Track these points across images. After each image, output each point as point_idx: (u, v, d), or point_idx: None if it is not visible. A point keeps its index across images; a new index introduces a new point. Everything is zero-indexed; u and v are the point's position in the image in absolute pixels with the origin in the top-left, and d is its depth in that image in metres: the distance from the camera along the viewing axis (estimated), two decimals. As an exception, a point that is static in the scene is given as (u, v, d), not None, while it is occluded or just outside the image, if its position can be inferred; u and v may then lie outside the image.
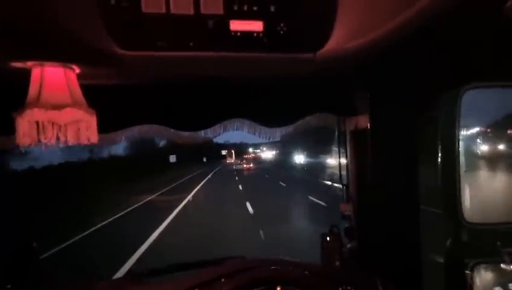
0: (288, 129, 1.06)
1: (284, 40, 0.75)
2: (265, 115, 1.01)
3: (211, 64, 0.82)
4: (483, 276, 0.89)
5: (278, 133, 1.08)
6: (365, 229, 1.09)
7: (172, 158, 34.54)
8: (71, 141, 0.78)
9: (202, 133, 1.05)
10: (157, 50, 0.74)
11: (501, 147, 0.85)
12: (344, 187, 1.17)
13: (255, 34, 0.73)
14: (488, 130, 0.82)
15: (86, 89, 0.79)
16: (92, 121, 0.78)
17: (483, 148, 0.80)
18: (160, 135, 1.06)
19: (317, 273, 1.06)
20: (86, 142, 0.79)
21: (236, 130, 1.07)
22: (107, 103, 0.86)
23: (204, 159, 52.63)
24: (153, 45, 0.73)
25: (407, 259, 1.00)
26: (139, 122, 0.96)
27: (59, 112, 0.70)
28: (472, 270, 0.87)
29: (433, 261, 1.01)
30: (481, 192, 0.87)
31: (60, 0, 0.61)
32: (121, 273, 4.62)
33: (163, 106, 0.97)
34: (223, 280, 1.04)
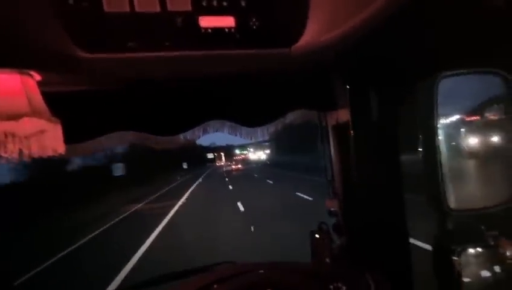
0: (271, 128, 1.04)
1: (257, 35, 0.72)
2: (244, 114, 0.98)
3: (182, 64, 0.78)
4: (470, 261, 0.90)
5: (259, 132, 1.06)
6: (353, 224, 1.08)
7: (118, 170, 22.37)
8: (36, 154, 0.72)
9: (182, 136, 1.01)
10: (123, 51, 0.69)
11: (480, 133, 0.85)
12: (329, 183, 1.16)
13: (226, 30, 0.70)
14: (467, 116, 0.83)
15: (50, 97, 0.74)
16: (57, 130, 0.72)
17: (464, 135, 0.80)
18: (137, 142, 1.00)
19: (308, 273, 1.04)
20: (52, 153, 0.73)
21: (216, 131, 1.03)
22: (74, 111, 0.80)
23: (185, 166, 42.33)
24: (118, 46, 0.69)
25: (397, 251, 1.00)
26: (111, 130, 0.90)
27: (16, 123, 0.64)
28: (459, 256, 0.88)
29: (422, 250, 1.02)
30: (464, 179, 0.88)
31: (13, 1, 0.56)
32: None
33: (136, 110, 0.92)
34: (215, 286, 1.01)
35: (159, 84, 0.90)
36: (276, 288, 0.99)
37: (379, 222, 1.00)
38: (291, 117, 1.01)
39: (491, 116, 0.90)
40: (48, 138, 0.72)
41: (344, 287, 0.92)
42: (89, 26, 0.65)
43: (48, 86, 0.74)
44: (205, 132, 1.01)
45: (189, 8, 0.67)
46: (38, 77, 0.72)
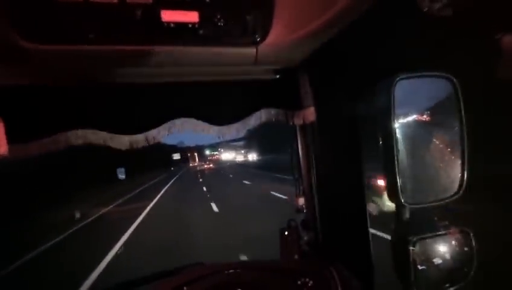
0: (241, 129, 1.02)
1: (222, 32, 0.71)
2: (211, 112, 0.96)
3: (142, 59, 0.74)
4: (424, 250, 0.97)
5: (234, 131, 1.04)
6: (319, 219, 1.12)
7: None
8: None
9: (144, 138, 0.95)
10: (75, 43, 0.64)
11: (433, 132, 0.93)
12: (296, 180, 1.18)
13: (190, 26, 0.68)
14: (422, 116, 0.89)
15: None
16: None
17: (417, 134, 0.86)
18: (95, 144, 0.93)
19: (276, 270, 1.06)
20: None
21: (183, 130, 1.00)
22: (17, 107, 0.72)
23: (121, 175, 22.32)
24: (70, 38, 0.63)
25: (359, 243, 1.05)
26: (62, 129, 0.82)
27: None
28: (414, 246, 0.94)
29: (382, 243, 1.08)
30: (419, 174, 0.94)
31: None
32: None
33: (92, 108, 0.85)
34: (184, 288, 0.99)
35: (116, 80, 0.85)
36: (245, 287, 0.99)
37: (342, 218, 1.05)
38: (265, 116, 1.01)
39: (431, 116, 0.97)
40: None
41: (311, 282, 0.95)
42: (36, 14, 0.59)
43: None
44: (170, 131, 0.97)
45: (149, 0, 0.64)
46: None
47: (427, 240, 0.97)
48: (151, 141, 0.93)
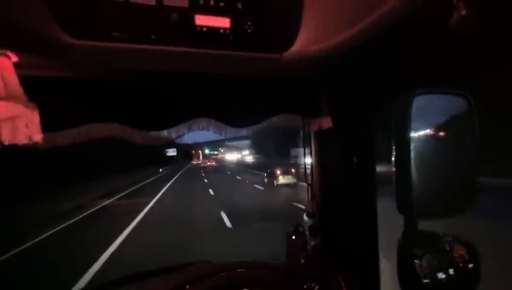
0: (258, 131, 1.05)
1: (251, 39, 0.74)
2: (231, 114, 0.99)
3: (174, 60, 0.77)
4: (429, 264, 0.98)
5: (245, 133, 1.07)
6: (327, 226, 1.13)
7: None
8: (7, 140, 0.67)
9: (166, 132, 0.99)
10: (112, 41, 0.67)
11: (448, 147, 0.94)
12: (308, 186, 1.20)
13: (221, 31, 0.71)
14: (438, 132, 0.91)
15: (27, 81, 0.69)
16: (34, 117, 0.68)
17: (430, 148, 0.88)
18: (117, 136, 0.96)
19: (282, 273, 1.07)
20: (26, 141, 0.69)
21: (201, 129, 1.03)
22: (54, 98, 0.76)
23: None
24: (107, 35, 0.66)
25: (366, 253, 1.07)
26: (93, 120, 0.86)
27: None
28: (420, 260, 0.95)
29: (388, 254, 1.09)
30: (429, 188, 0.96)
31: None
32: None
33: (122, 103, 0.88)
34: (187, 287, 1.00)
35: (146, 78, 0.88)
36: (251, 287, 1.00)
37: (352, 226, 1.06)
38: (283, 121, 1.03)
39: (445, 131, 0.99)
40: (23, 125, 0.67)
41: (317, 287, 0.96)
42: (78, 11, 0.62)
43: (25, 69, 0.69)
44: (190, 129, 1.00)
45: (185, 4, 0.67)
46: (15, 59, 0.67)
47: (432, 254, 0.99)
48: (171, 138, 0.96)
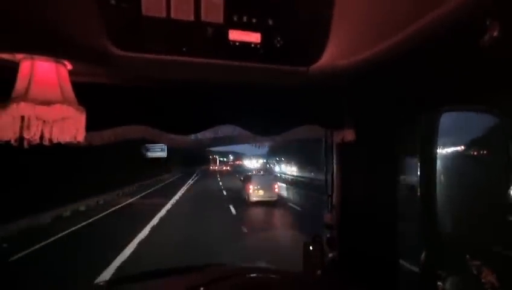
0: (281, 141, 1.08)
1: (280, 52, 0.78)
2: (257, 123, 1.03)
3: (206, 71, 0.83)
4: (454, 287, 0.94)
5: (266, 141, 1.10)
6: (346, 239, 1.12)
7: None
8: (56, 139, 0.75)
9: (193, 136, 1.04)
10: (153, 53, 0.74)
11: (477, 165, 0.92)
12: (328, 197, 1.20)
13: (252, 45, 0.76)
14: (466, 150, 0.89)
15: (76, 86, 0.78)
16: (81, 118, 0.76)
17: (460, 166, 0.86)
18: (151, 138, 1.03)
19: (297, 281, 1.07)
20: (70, 140, 0.76)
21: (226, 135, 1.07)
22: (97, 101, 0.84)
23: None
24: (149, 47, 0.73)
25: (385, 270, 1.04)
26: (128, 123, 0.94)
27: (48, 108, 0.67)
28: (444, 282, 0.92)
29: (409, 272, 1.06)
30: (456, 207, 0.93)
31: None
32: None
33: (155, 108, 0.96)
34: (201, 288, 1.02)
35: (180, 86, 0.95)
36: None
37: (371, 240, 1.05)
38: (306, 132, 1.05)
39: (477, 150, 0.96)
40: (70, 125, 0.75)
41: None
42: (126, 26, 0.70)
43: (77, 76, 0.78)
44: (216, 135, 1.05)
45: (221, 20, 0.72)
46: (70, 67, 0.76)
47: (457, 277, 0.94)
48: (197, 142, 1.02)
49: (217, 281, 1.05)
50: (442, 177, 0.88)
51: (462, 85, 0.84)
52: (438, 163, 0.89)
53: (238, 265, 1.26)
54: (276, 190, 12.03)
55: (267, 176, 13.67)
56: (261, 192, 11.42)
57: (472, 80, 0.81)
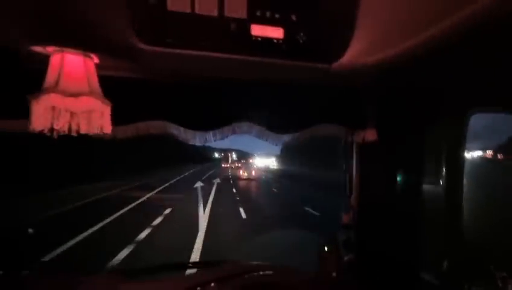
0: (299, 138, 1.06)
1: (302, 48, 0.76)
2: (275, 120, 1.02)
3: (228, 66, 0.83)
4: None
5: (284, 139, 1.08)
6: (364, 242, 1.09)
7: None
8: (83, 130, 0.78)
9: (211, 134, 1.05)
10: (177, 48, 0.75)
11: (508, 170, 0.86)
12: (346, 197, 1.17)
13: (274, 40, 0.75)
14: (490, 152, 0.84)
15: (104, 80, 0.80)
16: (106, 111, 0.79)
17: (490, 170, 0.82)
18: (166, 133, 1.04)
19: (312, 282, 1.06)
20: (97, 131, 0.79)
21: (244, 133, 1.07)
22: (121, 95, 0.86)
23: None
24: (174, 42, 0.74)
25: (404, 276, 1.01)
26: (151, 118, 0.96)
27: (76, 100, 0.70)
28: (468, 293, 0.88)
29: (430, 280, 1.02)
30: (480, 214, 0.88)
31: None
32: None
33: (176, 103, 0.97)
34: (215, 284, 1.03)
35: (202, 82, 0.96)
36: None
37: (390, 244, 1.01)
38: (326, 130, 1.04)
39: (505, 154, 0.90)
40: (97, 117, 0.78)
41: None
42: (152, 21, 0.71)
43: (104, 69, 0.80)
44: (234, 132, 1.05)
45: (244, 15, 0.72)
46: (97, 60, 0.79)
47: (481, 288, 0.90)
48: (216, 138, 1.03)
49: (229, 278, 1.06)
50: (469, 183, 0.84)
51: (493, 85, 0.80)
52: (466, 167, 0.84)
53: (252, 262, 1.26)
54: (253, 173, 23.86)
55: (249, 167, 27.80)
56: (246, 173, 23.37)
57: (504, 79, 0.77)
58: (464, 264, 0.91)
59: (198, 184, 16.07)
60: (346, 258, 1.13)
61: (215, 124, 1.01)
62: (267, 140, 1.08)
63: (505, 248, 0.87)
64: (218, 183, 17.53)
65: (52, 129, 0.73)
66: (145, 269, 1.23)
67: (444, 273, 0.92)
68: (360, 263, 1.09)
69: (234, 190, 14.34)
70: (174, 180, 18.97)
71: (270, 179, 24.69)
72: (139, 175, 18.06)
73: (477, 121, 0.88)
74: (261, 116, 1.02)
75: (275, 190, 15.65)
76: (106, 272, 1.22)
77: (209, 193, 12.06)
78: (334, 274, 1.10)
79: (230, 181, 19.96)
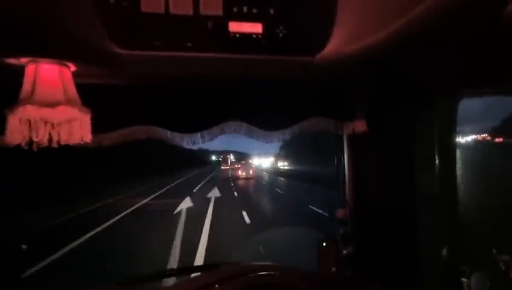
0: (289, 135, 1.05)
1: (283, 42, 0.75)
2: (263, 117, 1.01)
3: (209, 65, 0.81)
4: (479, 283, 0.88)
5: (275, 138, 1.07)
6: (361, 235, 1.08)
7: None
8: (64, 141, 0.76)
9: (199, 135, 1.03)
10: (155, 50, 0.73)
11: (502, 153, 0.85)
12: (341, 192, 1.16)
13: (254, 36, 0.73)
14: (490, 137, 0.83)
15: (81, 88, 0.78)
16: (86, 120, 0.77)
17: (483, 154, 0.80)
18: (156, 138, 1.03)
19: (312, 280, 1.05)
20: (78, 141, 0.77)
21: (233, 132, 1.05)
22: (101, 103, 0.84)
23: None
24: (150, 44, 0.72)
25: (403, 266, 0.99)
26: (134, 123, 0.94)
27: (52, 110, 0.68)
28: (469, 278, 0.87)
29: (430, 268, 1.00)
30: (478, 199, 0.87)
31: None
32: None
33: (160, 107, 0.95)
34: (216, 286, 1.02)
35: (184, 83, 0.94)
36: None
37: (388, 236, 1.00)
38: (315, 124, 1.02)
39: (499, 136, 0.89)
40: (77, 127, 0.76)
41: None
42: (126, 24, 0.69)
43: (81, 77, 0.78)
44: (222, 131, 1.03)
45: (220, 13, 0.70)
46: (73, 68, 0.77)
47: (483, 272, 0.89)
48: (204, 140, 1.01)
49: (229, 280, 1.05)
50: (462, 167, 0.83)
51: (482, 66, 0.78)
52: (458, 152, 0.83)
53: (252, 263, 1.24)
54: (251, 172, 26.00)
55: (248, 166, 28.74)
56: (244, 173, 25.33)
57: (494, 59, 0.75)
58: (464, 250, 0.90)
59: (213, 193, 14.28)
60: (344, 252, 1.12)
61: (202, 125, 0.99)
62: (257, 139, 1.06)
63: (507, 231, 0.86)
64: (218, 184, 19.40)
65: (31, 142, 0.71)
66: (146, 276, 1.22)
67: (444, 260, 0.91)
68: (359, 256, 1.08)
69: (234, 191, 15.71)
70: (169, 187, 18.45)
71: (270, 178, 26.59)
72: (129, 188, 15.74)
73: (470, 106, 0.87)
74: (249, 114, 1.00)
75: (277, 190, 16.36)
76: (100, 285, 1.19)
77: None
78: (333, 269, 1.08)
79: (230, 182, 22.24)
